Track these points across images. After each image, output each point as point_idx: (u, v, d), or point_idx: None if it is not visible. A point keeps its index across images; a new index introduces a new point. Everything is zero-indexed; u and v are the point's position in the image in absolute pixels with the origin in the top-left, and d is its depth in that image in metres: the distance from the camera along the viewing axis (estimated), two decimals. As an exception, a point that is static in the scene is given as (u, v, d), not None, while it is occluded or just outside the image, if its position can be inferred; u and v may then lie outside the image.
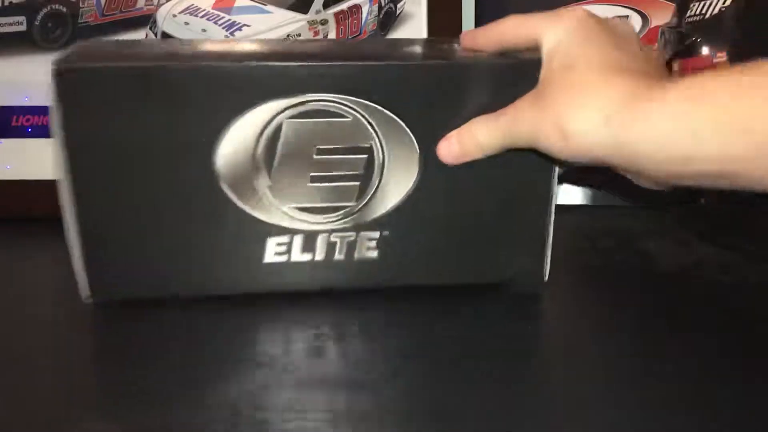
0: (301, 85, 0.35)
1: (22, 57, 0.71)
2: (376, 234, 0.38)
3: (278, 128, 0.35)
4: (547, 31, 0.38)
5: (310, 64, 0.36)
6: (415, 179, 0.38)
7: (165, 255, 0.39)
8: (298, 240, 0.36)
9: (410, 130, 0.37)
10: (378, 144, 0.37)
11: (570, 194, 0.74)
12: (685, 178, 0.34)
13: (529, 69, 0.39)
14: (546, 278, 0.46)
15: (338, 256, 0.38)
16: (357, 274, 0.39)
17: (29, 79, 0.73)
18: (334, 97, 0.35)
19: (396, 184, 0.38)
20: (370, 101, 0.36)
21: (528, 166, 0.42)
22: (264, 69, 0.35)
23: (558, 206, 0.46)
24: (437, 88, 0.39)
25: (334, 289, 0.41)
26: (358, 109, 0.36)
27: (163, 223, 0.39)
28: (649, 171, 0.34)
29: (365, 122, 0.36)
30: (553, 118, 0.35)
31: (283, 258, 0.37)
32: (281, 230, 0.37)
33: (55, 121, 0.37)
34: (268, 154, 0.35)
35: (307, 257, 0.37)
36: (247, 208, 0.36)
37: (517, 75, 0.39)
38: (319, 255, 0.37)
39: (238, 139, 0.35)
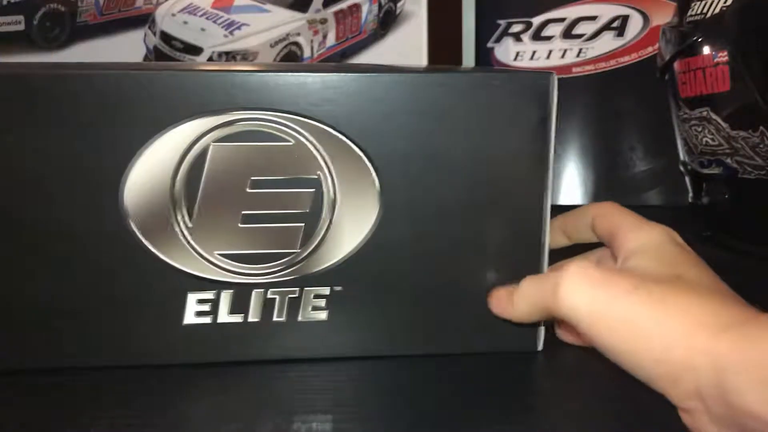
0: (232, 98, 0.28)
1: (20, 56, 0.70)
2: (326, 290, 0.31)
3: (203, 154, 0.28)
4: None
5: (242, 71, 0.30)
6: (375, 221, 0.32)
7: (56, 313, 0.31)
8: (226, 296, 0.29)
9: (367, 159, 0.31)
10: (328, 175, 0.30)
11: (570, 194, 0.74)
12: None
13: (514, 82, 0.33)
14: (540, 347, 0.38)
15: (277, 317, 0.30)
16: (301, 341, 0.32)
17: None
18: (272, 115, 0.29)
19: (351, 227, 0.31)
20: (317, 121, 0.30)
21: (519, 209, 0.36)
22: (184, 78, 0.28)
23: (557, 206, 0.46)
24: (403, 104, 0.32)
25: (271, 359, 0.33)
26: (303, 131, 0.29)
27: (53, 273, 0.31)
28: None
29: (311, 147, 0.29)
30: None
31: (207, 319, 0.30)
32: (205, 284, 0.30)
33: None
34: (190, 186, 0.29)
35: (237, 318, 0.30)
36: (162, 255, 0.29)
37: (502, 88, 0.33)
38: (253, 315, 0.30)
39: (151, 167, 0.29)
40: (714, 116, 0.56)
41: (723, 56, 0.54)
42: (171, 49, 0.72)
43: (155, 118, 0.28)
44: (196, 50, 0.72)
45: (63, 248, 0.31)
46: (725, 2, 0.54)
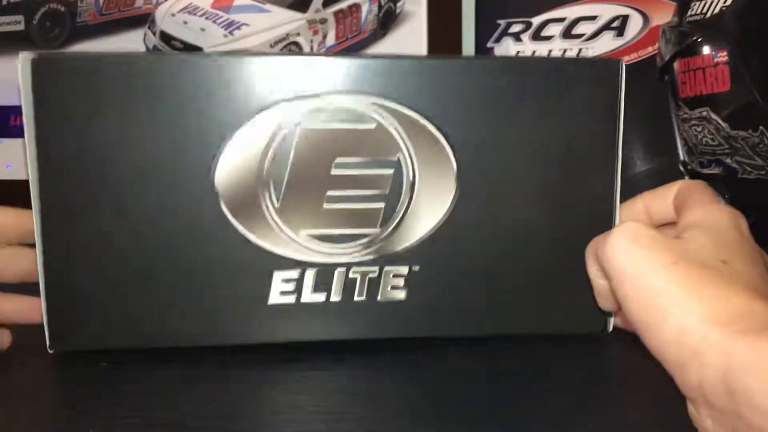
0: (320, 82, 0.30)
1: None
2: (404, 270, 0.32)
3: (290, 136, 0.30)
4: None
5: (330, 57, 0.31)
6: (452, 202, 0.33)
7: (146, 294, 0.33)
8: (309, 275, 0.30)
9: (446, 140, 0.32)
10: (407, 156, 0.31)
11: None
12: None
13: (587, 68, 0.36)
14: (610, 328, 0.39)
15: (358, 296, 0.31)
16: (380, 320, 0.33)
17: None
18: (356, 98, 0.30)
19: (428, 208, 0.32)
20: (398, 103, 0.31)
21: (591, 190, 0.36)
22: (278, 62, 0.30)
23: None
24: (480, 88, 0.33)
25: (351, 339, 0.34)
26: (385, 114, 0.30)
27: (148, 253, 0.32)
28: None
29: (392, 130, 0.30)
30: None
31: (291, 299, 0.31)
32: (290, 263, 0.31)
33: (26, 121, 0.33)
34: (277, 168, 0.30)
35: (320, 298, 0.31)
36: (251, 235, 0.30)
37: (576, 74, 0.35)
38: (335, 295, 0.31)
39: (242, 149, 0.30)
40: (714, 116, 0.56)
41: (723, 56, 0.54)
42: (171, 49, 0.72)
43: (248, 102, 0.30)
44: (195, 50, 0.72)
45: (157, 230, 0.32)
46: (725, 2, 0.54)
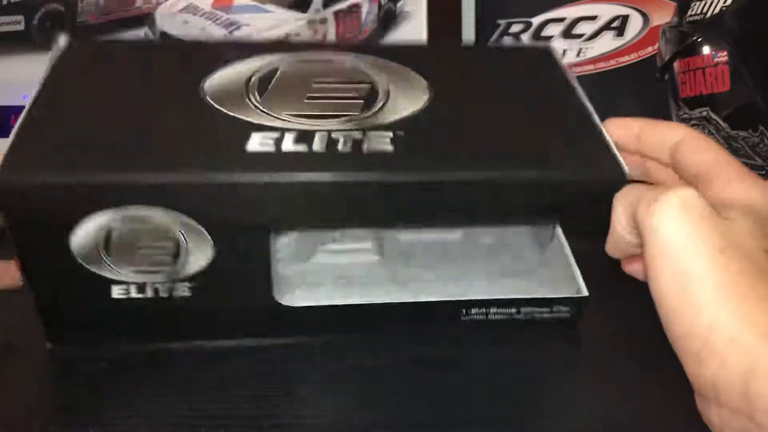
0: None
1: (20, 56, 0.70)
2: (389, 134, 0.32)
3: (273, 71, 0.34)
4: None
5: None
6: (426, 100, 0.35)
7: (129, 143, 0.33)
8: (290, 135, 0.31)
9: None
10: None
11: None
12: None
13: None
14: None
15: (343, 148, 0.31)
16: (366, 167, 0.32)
17: (27, 78, 0.72)
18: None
19: (405, 104, 0.34)
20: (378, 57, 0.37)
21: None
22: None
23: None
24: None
25: (337, 183, 0.32)
26: (364, 59, 0.36)
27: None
28: None
29: (363, 65, 0.34)
30: None
31: (271, 148, 0.31)
32: (270, 129, 0.32)
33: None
34: (262, 85, 0.33)
35: (301, 148, 0.31)
36: (231, 112, 0.32)
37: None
38: (318, 147, 0.31)
39: (229, 74, 0.35)
40: (714, 116, 0.56)
41: (723, 56, 0.54)
42: (171, 49, 0.72)
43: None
44: (196, 50, 0.72)
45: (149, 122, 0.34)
46: (725, 2, 0.54)
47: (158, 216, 0.31)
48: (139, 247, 0.32)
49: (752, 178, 0.31)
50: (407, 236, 0.42)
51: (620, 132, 0.36)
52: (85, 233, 0.32)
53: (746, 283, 0.27)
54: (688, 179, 0.33)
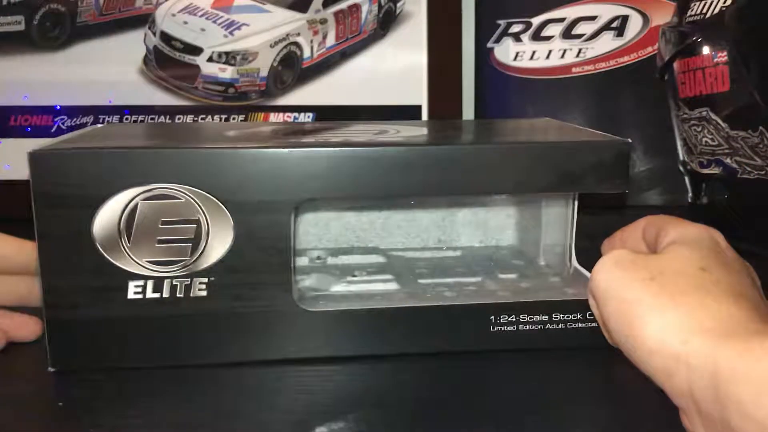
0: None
1: (20, 56, 0.70)
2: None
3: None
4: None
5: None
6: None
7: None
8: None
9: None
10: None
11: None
12: None
13: None
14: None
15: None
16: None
17: (28, 78, 0.73)
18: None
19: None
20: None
21: None
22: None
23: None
24: None
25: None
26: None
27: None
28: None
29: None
30: None
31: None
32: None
33: None
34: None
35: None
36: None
37: None
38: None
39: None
40: (713, 116, 0.56)
41: (722, 56, 0.54)
42: (171, 50, 0.72)
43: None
44: (196, 50, 0.72)
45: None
46: (725, 2, 0.54)
47: (182, 195, 0.39)
48: (161, 230, 0.40)
49: (689, 223, 0.36)
50: (425, 269, 0.50)
51: (609, 248, 0.41)
52: (110, 212, 0.39)
53: (684, 295, 0.30)
54: (652, 242, 0.38)
